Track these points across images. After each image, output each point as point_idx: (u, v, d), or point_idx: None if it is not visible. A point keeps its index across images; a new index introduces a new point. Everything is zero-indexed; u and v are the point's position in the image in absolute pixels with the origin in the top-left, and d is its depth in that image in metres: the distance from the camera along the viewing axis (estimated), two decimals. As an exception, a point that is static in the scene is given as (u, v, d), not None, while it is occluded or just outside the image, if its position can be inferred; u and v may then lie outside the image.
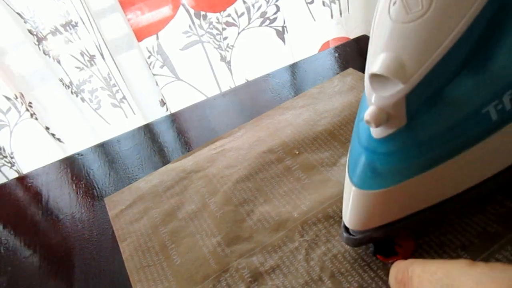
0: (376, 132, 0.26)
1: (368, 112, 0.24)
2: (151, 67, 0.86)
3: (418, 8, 0.22)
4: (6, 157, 0.81)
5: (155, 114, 0.87)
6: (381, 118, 0.24)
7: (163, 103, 0.88)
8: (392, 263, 0.29)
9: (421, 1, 0.22)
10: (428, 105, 0.24)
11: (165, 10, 0.83)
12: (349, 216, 0.29)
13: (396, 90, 0.23)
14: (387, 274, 0.29)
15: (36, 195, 0.47)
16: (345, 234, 0.30)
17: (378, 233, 0.28)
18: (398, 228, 0.29)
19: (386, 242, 0.31)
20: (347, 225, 0.29)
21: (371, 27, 0.26)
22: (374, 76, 0.24)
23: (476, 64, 0.24)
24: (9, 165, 0.82)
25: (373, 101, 0.24)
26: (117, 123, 0.90)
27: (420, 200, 0.27)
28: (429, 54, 0.22)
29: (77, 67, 0.81)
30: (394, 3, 0.23)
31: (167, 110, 0.89)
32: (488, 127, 0.25)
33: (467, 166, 0.26)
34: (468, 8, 0.22)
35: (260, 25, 0.90)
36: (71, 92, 0.82)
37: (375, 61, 0.24)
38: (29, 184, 0.49)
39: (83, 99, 0.84)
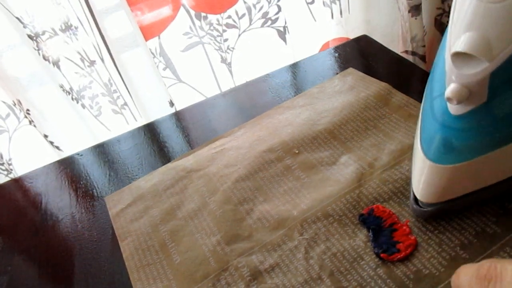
0: (455, 109, 0.26)
1: (450, 89, 0.25)
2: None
3: None
4: (3, 164, 0.81)
5: (162, 115, 0.86)
6: (463, 95, 0.25)
7: (172, 103, 0.88)
8: (396, 260, 0.30)
9: None
10: (509, 83, 0.25)
11: (166, 11, 0.83)
12: (422, 189, 0.30)
13: (481, 68, 0.24)
14: (386, 273, 0.29)
15: (36, 195, 0.47)
16: (415, 206, 0.31)
17: (449, 206, 0.30)
18: (469, 202, 0.30)
19: (387, 241, 0.31)
20: (419, 198, 0.30)
21: (452, 3, 0.26)
22: (457, 55, 0.24)
23: None
24: (6, 172, 0.81)
25: (454, 78, 0.25)
26: (118, 130, 0.89)
27: (492, 176, 0.29)
28: None
29: (77, 73, 0.80)
30: None
31: (175, 111, 0.89)
32: None
33: None
34: None
35: (262, 26, 0.90)
36: (72, 99, 0.81)
37: (460, 40, 0.24)
38: (29, 185, 0.49)
39: (83, 106, 0.84)
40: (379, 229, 0.32)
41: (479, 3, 0.24)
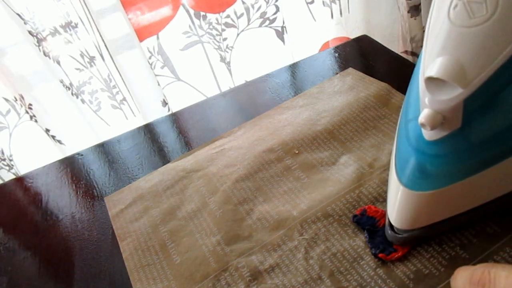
0: (429, 134, 0.26)
1: (423, 115, 0.24)
2: (152, 67, 0.86)
3: (483, 13, 0.22)
4: (4, 159, 0.81)
5: (156, 114, 0.87)
6: (437, 121, 0.24)
7: (165, 103, 0.88)
8: (394, 259, 0.30)
9: (485, 6, 0.22)
10: (484, 108, 0.24)
11: (165, 10, 0.83)
12: (396, 215, 0.29)
13: (454, 94, 0.23)
14: (386, 273, 0.29)
15: (36, 195, 0.47)
16: (390, 232, 0.30)
17: (424, 232, 0.29)
18: (444, 228, 0.29)
19: (384, 241, 0.31)
20: (393, 223, 0.29)
21: (426, 26, 0.25)
22: (430, 79, 0.24)
23: None
24: (7, 168, 0.82)
25: (428, 103, 0.24)
26: (117, 125, 0.90)
27: (468, 201, 0.28)
28: (491, 59, 0.22)
29: (77, 69, 0.81)
30: (455, 6, 0.23)
31: (169, 110, 0.89)
32: None
33: None
34: None
35: (260, 26, 0.90)
36: (72, 94, 0.82)
37: (433, 64, 0.24)
38: (29, 184, 0.49)
39: (83, 101, 0.84)
40: (374, 229, 0.32)
41: (452, 27, 0.23)
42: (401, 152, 0.29)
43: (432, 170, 0.27)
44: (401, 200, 0.28)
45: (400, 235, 0.30)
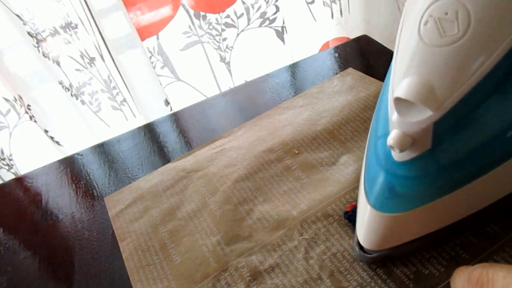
0: (398, 156, 0.25)
1: (392, 137, 0.23)
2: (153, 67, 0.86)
3: (454, 32, 0.21)
4: (4, 159, 0.81)
5: (158, 114, 0.87)
6: (406, 143, 0.23)
7: (167, 102, 0.88)
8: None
9: (457, 25, 0.21)
10: (454, 129, 0.23)
11: (165, 10, 0.83)
12: (364, 235, 0.28)
13: (425, 116, 0.22)
14: (386, 273, 0.29)
15: (36, 195, 0.47)
16: (359, 251, 0.30)
17: (394, 252, 0.28)
18: (414, 248, 0.28)
19: None
20: (362, 244, 0.29)
21: (395, 40, 0.24)
22: (399, 100, 0.23)
23: (508, 88, 0.23)
24: (7, 167, 0.82)
25: (397, 125, 0.23)
26: (117, 126, 0.90)
27: (439, 221, 0.27)
28: (462, 81, 0.21)
29: (77, 70, 0.81)
30: (426, 23, 0.22)
31: (171, 109, 0.89)
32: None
33: (488, 186, 0.26)
34: (507, 34, 0.21)
35: (260, 26, 0.90)
36: (71, 95, 0.82)
37: (402, 85, 0.23)
38: (29, 184, 0.49)
39: (83, 102, 0.84)
40: None
41: (422, 45, 0.22)
42: (370, 171, 0.28)
43: (401, 191, 0.26)
44: (369, 221, 0.27)
45: (369, 255, 0.29)
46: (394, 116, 0.24)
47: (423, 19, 0.23)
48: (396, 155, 0.25)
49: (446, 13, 0.22)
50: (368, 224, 0.27)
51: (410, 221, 0.26)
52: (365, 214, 0.27)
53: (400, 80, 0.23)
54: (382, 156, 0.26)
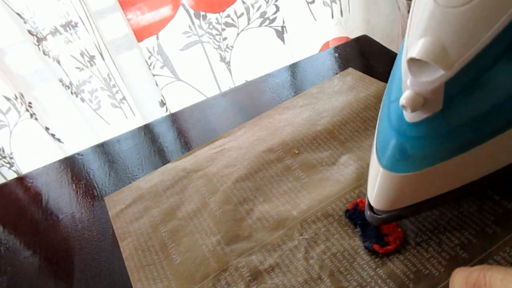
0: (410, 116, 0.26)
1: (404, 96, 0.24)
2: (151, 67, 0.86)
3: None
4: (5, 157, 0.82)
5: (154, 114, 0.87)
6: (418, 103, 0.24)
7: (162, 103, 0.88)
8: (388, 252, 0.30)
9: None
10: (465, 90, 0.24)
11: (165, 10, 0.83)
12: (375, 196, 0.29)
13: (436, 76, 0.23)
14: (386, 273, 0.29)
15: (36, 195, 0.47)
16: (369, 213, 0.30)
17: (404, 212, 0.29)
18: (424, 208, 0.29)
19: (376, 235, 0.31)
20: (373, 204, 0.29)
21: (411, 7, 0.25)
22: (412, 61, 0.23)
23: None
24: (8, 165, 0.82)
25: (409, 85, 0.24)
26: (117, 124, 0.90)
27: (448, 183, 0.28)
28: (474, 41, 0.22)
29: (77, 68, 0.81)
30: None
31: (166, 110, 0.89)
32: None
33: (497, 150, 0.26)
34: None
35: (260, 25, 0.90)
36: (71, 93, 0.82)
37: (415, 45, 0.23)
38: (29, 184, 0.49)
39: (83, 100, 0.84)
40: (366, 223, 0.32)
41: (436, 7, 0.23)
42: (382, 133, 0.29)
43: (413, 151, 0.26)
44: (381, 182, 0.28)
45: (379, 216, 0.29)
46: (407, 77, 0.24)
47: None
48: (408, 116, 0.26)
49: None
50: (379, 184, 0.28)
51: (420, 181, 0.27)
52: (377, 175, 0.28)
53: (414, 42, 0.24)
54: (394, 118, 0.27)
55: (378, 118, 0.31)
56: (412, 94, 0.24)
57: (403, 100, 0.24)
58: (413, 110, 0.24)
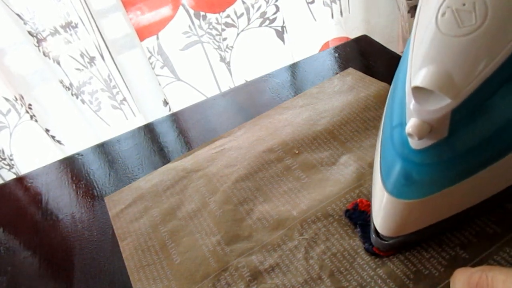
0: (415, 143, 0.26)
1: (411, 125, 0.24)
2: (152, 67, 0.86)
3: (472, 22, 0.22)
4: (5, 159, 0.81)
5: (157, 114, 0.87)
6: (425, 131, 0.24)
7: (166, 103, 0.88)
8: (389, 255, 0.30)
9: (474, 16, 0.22)
10: (469, 117, 0.24)
11: (165, 10, 0.83)
12: (381, 222, 0.29)
13: (443, 104, 0.23)
14: (386, 273, 0.29)
15: (36, 195, 0.47)
16: (375, 238, 0.30)
17: (410, 238, 0.29)
18: (430, 233, 0.29)
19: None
20: (379, 230, 0.29)
21: (412, 31, 0.25)
22: (417, 89, 0.23)
23: None
24: (8, 167, 0.82)
25: (414, 113, 0.24)
26: (117, 125, 0.90)
27: (454, 207, 0.28)
28: (480, 69, 0.22)
29: (77, 69, 0.81)
30: (443, 14, 0.23)
31: (170, 110, 0.89)
32: None
33: (503, 172, 0.26)
34: None
35: (260, 26, 0.91)
36: (71, 94, 0.82)
37: (420, 74, 0.23)
38: (29, 184, 0.49)
39: (83, 101, 0.84)
40: (366, 224, 0.32)
41: (440, 35, 0.23)
42: (386, 158, 0.29)
43: (418, 178, 0.26)
44: (387, 208, 0.28)
45: (386, 241, 0.29)
46: (412, 104, 0.24)
47: (440, 10, 0.23)
48: (414, 143, 0.26)
49: (464, 4, 0.22)
50: (385, 210, 0.28)
51: (427, 207, 0.27)
52: (382, 201, 0.28)
53: (418, 70, 0.24)
54: (398, 144, 0.27)
55: (379, 141, 0.31)
56: (419, 122, 0.24)
57: (409, 128, 0.24)
58: (420, 138, 0.24)
